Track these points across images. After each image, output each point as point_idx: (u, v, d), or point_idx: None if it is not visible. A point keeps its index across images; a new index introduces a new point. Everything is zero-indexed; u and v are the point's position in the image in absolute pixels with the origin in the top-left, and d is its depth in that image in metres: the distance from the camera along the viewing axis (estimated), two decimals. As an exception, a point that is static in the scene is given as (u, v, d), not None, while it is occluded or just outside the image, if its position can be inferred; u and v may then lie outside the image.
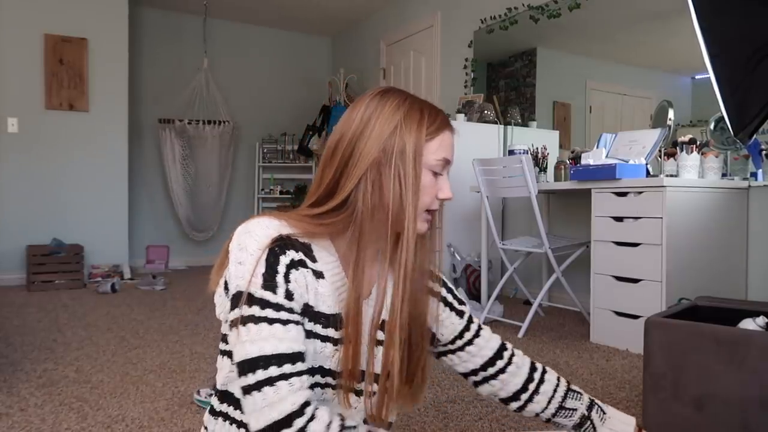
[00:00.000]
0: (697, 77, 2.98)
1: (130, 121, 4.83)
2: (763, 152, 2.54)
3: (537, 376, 1.08)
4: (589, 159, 2.67)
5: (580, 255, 2.89)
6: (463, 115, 3.78)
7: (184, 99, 5.44)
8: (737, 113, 1.36)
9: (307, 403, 0.78)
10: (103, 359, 2.29)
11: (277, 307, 0.79)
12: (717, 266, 2.55)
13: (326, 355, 0.86)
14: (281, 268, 0.80)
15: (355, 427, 0.81)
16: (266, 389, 0.76)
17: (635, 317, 2.44)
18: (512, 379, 1.06)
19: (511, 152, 3.23)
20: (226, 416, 0.87)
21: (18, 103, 4.33)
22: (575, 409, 1.06)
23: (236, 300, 0.79)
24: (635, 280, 2.46)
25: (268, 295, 0.78)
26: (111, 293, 3.97)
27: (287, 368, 0.77)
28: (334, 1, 5.33)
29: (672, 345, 1.44)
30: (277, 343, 0.77)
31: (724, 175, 2.64)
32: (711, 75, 1.35)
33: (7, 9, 4.29)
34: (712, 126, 2.65)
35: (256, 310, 0.77)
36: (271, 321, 0.78)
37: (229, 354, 0.87)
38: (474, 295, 3.48)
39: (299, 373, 0.79)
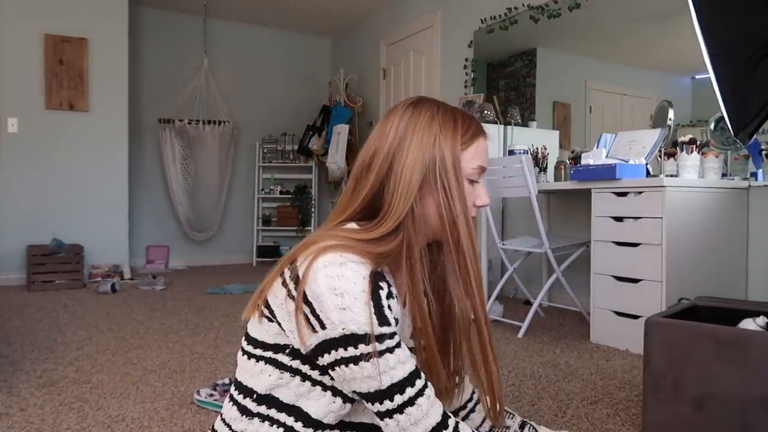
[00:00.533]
0: (697, 77, 2.98)
1: (130, 121, 4.83)
2: (763, 152, 2.54)
3: (476, 396, 1.17)
4: (589, 159, 2.67)
5: (580, 255, 2.89)
6: (463, 115, 3.78)
7: (184, 99, 5.44)
8: (737, 113, 1.36)
9: (446, 414, 0.85)
10: (103, 359, 2.29)
11: (392, 335, 0.82)
12: (717, 266, 2.55)
13: None
14: (384, 302, 0.82)
15: None
16: (408, 409, 0.82)
17: (635, 317, 2.44)
18: (460, 395, 1.13)
19: (511, 152, 3.23)
20: (266, 418, 0.87)
21: (18, 103, 4.34)
22: (508, 427, 1.16)
23: (347, 341, 0.80)
24: (635, 280, 2.46)
25: (384, 329, 0.81)
26: (111, 293, 3.97)
27: (419, 383, 0.84)
28: (335, 1, 5.33)
29: (672, 345, 1.44)
30: (403, 365, 0.82)
31: (724, 175, 2.63)
32: (711, 74, 1.35)
33: (7, 9, 4.29)
34: (712, 126, 2.65)
35: (377, 346, 0.80)
36: (392, 349, 0.82)
37: (267, 360, 0.87)
38: (474, 295, 3.47)
39: (426, 384, 0.84)
